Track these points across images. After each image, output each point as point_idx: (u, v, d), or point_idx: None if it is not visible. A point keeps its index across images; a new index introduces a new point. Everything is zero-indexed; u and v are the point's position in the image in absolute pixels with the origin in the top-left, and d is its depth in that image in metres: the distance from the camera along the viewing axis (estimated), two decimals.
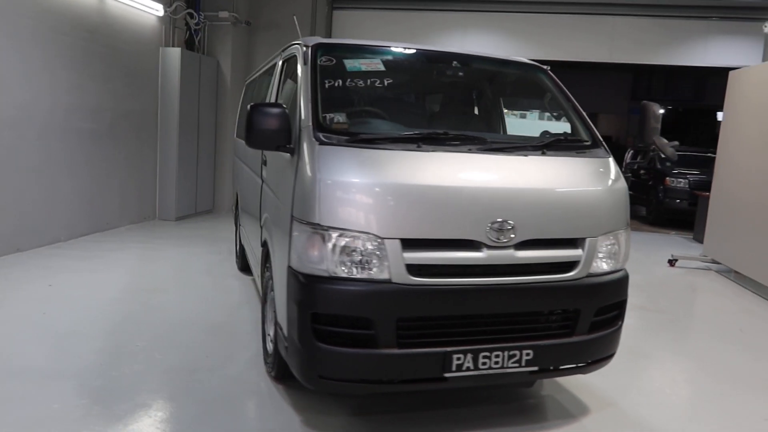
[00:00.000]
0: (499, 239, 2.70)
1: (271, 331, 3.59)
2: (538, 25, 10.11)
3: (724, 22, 9.48)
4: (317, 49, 3.18)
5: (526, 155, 2.95)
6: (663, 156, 3.12)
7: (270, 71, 4.71)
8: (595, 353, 3.03)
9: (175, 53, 8.50)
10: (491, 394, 3.46)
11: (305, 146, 2.74)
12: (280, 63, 3.94)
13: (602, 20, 9.92)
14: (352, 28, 10.56)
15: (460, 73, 3.51)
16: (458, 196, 2.70)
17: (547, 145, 3.06)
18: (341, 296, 2.60)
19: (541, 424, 3.19)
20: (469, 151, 2.86)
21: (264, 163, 3.72)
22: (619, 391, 3.64)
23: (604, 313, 3.02)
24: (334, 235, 2.58)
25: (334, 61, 3.14)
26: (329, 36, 10.70)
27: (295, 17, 3.83)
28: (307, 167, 2.67)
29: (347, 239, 2.58)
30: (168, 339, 4.06)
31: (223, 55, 9.59)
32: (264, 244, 3.67)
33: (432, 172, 2.70)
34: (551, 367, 2.92)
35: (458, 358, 2.70)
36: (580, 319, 2.93)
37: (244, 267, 5.94)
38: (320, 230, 2.59)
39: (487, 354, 2.74)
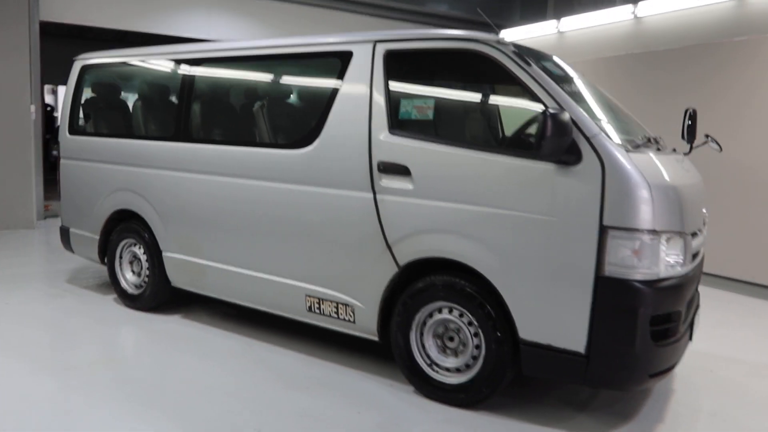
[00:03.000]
0: (700, 228, 3.25)
1: (450, 362, 3.22)
2: (282, 13, 10.14)
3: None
4: (521, 50, 3.02)
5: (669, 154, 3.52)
6: (716, 147, 4.06)
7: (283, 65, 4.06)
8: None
9: None
10: None
11: (607, 154, 2.68)
12: (382, 58, 3.30)
13: (340, 15, 10.60)
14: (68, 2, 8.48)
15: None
16: (695, 191, 3.15)
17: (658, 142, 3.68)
18: (673, 294, 2.77)
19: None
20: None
21: (402, 172, 3.17)
22: None
23: None
24: (665, 237, 2.70)
25: (544, 64, 3.05)
26: (37, 8, 8.26)
27: (478, 9, 3.30)
28: (625, 175, 2.65)
29: (674, 240, 2.75)
30: (269, 410, 3.09)
31: None
32: (407, 267, 3.24)
33: (677, 171, 3.04)
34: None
35: None
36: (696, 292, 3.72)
37: (155, 306, 4.61)
38: (655, 235, 2.66)
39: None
